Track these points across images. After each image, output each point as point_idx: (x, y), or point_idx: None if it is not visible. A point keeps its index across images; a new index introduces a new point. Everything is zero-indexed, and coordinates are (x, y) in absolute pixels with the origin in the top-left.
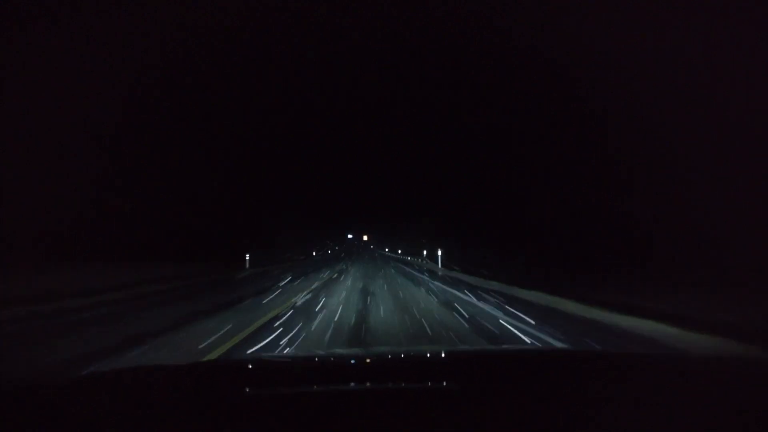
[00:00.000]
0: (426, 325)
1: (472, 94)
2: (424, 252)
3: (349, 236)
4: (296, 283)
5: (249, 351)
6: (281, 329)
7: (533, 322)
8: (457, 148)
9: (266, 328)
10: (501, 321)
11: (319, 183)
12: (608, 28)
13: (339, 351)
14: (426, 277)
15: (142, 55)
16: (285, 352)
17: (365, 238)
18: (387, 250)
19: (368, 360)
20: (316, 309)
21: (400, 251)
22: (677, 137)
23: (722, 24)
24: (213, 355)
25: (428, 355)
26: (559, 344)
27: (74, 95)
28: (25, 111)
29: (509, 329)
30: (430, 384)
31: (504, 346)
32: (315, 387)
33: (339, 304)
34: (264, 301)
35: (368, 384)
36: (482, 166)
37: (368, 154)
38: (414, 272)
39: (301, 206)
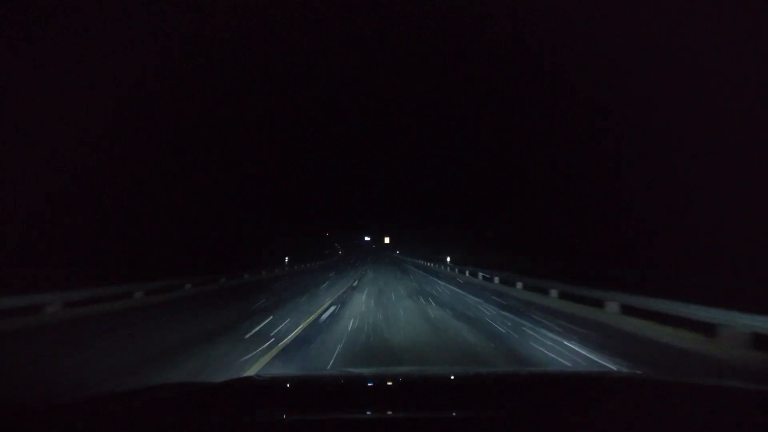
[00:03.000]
0: None
1: (489, 102)
2: None
3: (366, 238)
4: None
5: None
6: None
7: None
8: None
9: None
10: None
11: (328, 182)
12: (616, 34)
13: (355, 371)
14: None
15: (142, 59)
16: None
17: (386, 240)
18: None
19: (390, 383)
20: None
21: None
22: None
23: (725, 28)
24: None
25: (456, 377)
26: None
27: (70, 97)
28: (18, 111)
29: None
30: (458, 412)
31: (539, 369)
32: (326, 414)
33: None
34: None
35: (389, 412)
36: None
37: (385, 151)
38: None
39: (303, 208)
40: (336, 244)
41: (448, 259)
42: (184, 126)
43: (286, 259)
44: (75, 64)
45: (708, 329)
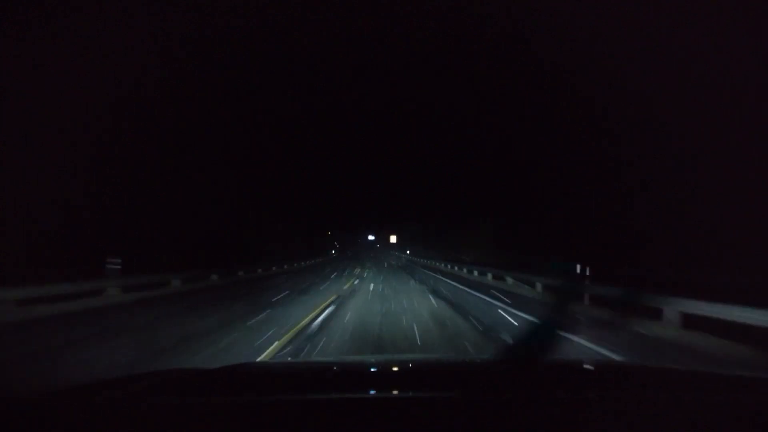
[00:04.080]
0: None
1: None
2: None
3: (370, 237)
4: None
5: None
6: None
7: None
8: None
9: None
10: None
11: (329, 181)
12: (617, 34)
13: (357, 358)
14: None
15: (142, 58)
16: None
17: (393, 239)
18: None
19: (395, 368)
20: None
21: None
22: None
23: (725, 28)
24: None
25: (459, 363)
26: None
27: (69, 97)
28: (19, 111)
29: None
30: (459, 394)
31: (549, 359)
32: (329, 395)
33: None
34: None
35: (395, 392)
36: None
37: (386, 149)
38: None
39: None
40: (336, 243)
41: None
42: (184, 126)
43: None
44: (75, 64)
45: None
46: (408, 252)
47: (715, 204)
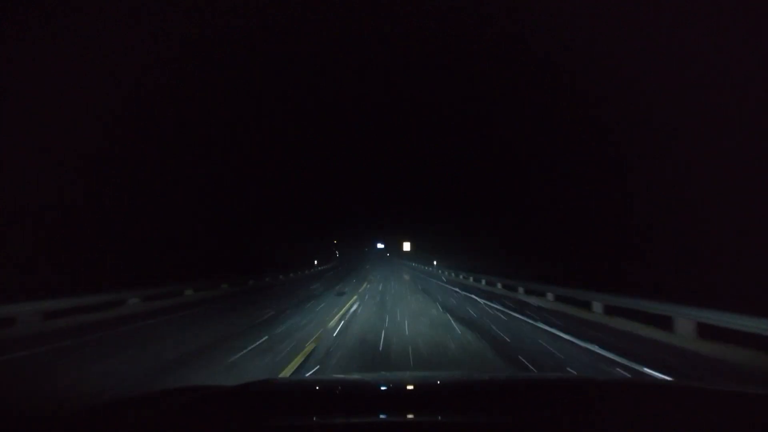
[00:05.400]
0: None
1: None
2: None
3: (379, 246)
4: None
5: None
6: None
7: None
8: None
9: None
10: None
11: (336, 187)
12: (617, 34)
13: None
14: None
15: (142, 58)
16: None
17: (406, 246)
18: None
19: (410, 387)
20: None
21: None
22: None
23: (725, 28)
24: None
25: (471, 382)
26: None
27: (69, 100)
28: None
29: None
30: (474, 416)
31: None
32: (346, 418)
33: None
34: None
35: (410, 416)
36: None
37: (387, 151)
38: None
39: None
40: (336, 252)
41: None
42: (184, 126)
43: None
44: (75, 64)
45: None
46: (435, 263)
47: (717, 204)
